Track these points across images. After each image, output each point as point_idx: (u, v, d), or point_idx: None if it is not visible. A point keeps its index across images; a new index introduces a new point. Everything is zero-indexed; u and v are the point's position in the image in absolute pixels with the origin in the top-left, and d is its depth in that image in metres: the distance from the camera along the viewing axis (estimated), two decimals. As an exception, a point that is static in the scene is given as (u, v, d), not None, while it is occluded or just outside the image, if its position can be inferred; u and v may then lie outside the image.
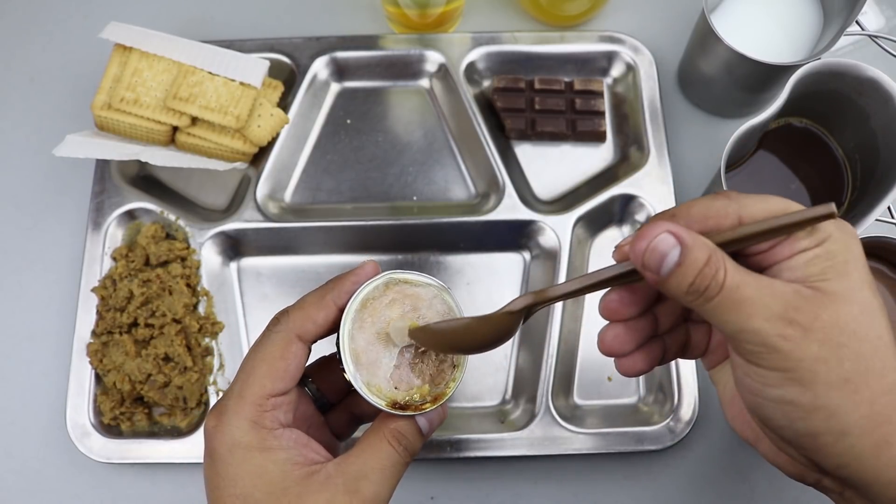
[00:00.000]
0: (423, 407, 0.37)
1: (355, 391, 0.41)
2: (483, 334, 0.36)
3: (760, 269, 0.30)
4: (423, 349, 0.38)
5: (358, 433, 0.44)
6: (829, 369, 0.28)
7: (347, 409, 0.42)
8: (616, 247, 0.32)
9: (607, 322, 0.34)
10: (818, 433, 0.29)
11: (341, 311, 0.37)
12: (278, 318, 0.38)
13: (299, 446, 0.36)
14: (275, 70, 0.61)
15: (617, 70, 0.63)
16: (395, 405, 0.36)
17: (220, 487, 0.35)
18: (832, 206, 0.29)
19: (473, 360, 0.57)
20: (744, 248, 0.30)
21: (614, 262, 0.32)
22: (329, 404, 0.41)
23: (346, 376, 0.37)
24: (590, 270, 0.58)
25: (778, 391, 0.30)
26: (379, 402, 0.36)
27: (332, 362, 0.41)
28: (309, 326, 0.37)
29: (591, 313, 0.57)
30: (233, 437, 0.35)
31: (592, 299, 0.58)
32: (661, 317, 0.35)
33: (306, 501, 0.34)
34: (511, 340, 0.56)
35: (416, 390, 0.37)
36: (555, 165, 0.61)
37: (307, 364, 0.40)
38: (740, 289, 0.29)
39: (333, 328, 0.38)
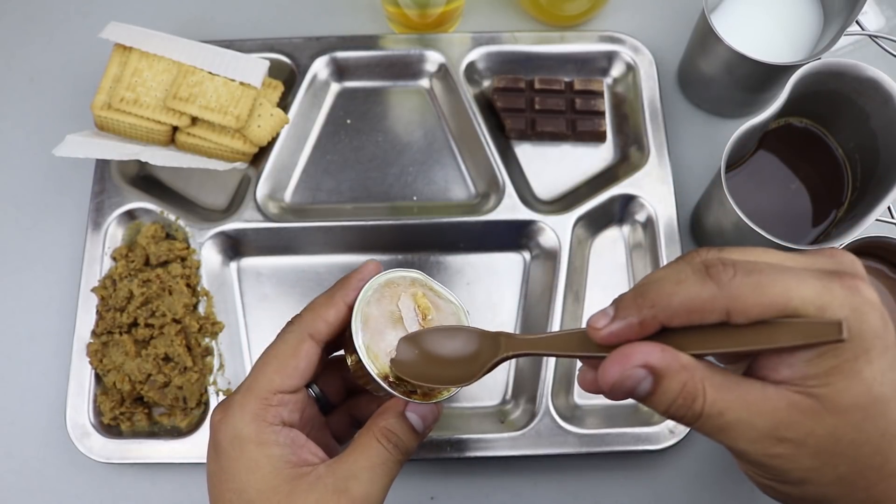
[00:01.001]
0: (412, 396, 0.37)
1: (355, 394, 0.42)
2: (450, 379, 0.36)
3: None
4: None
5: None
6: (821, 475, 0.27)
7: (347, 412, 0.42)
8: (588, 325, 0.30)
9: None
10: None
11: (350, 308, 0.38)
12: (291, 321, 0.38)
13: (295, 446, 0.36)
14: (275, 70, 0.61)
15: (617, 70, 0.63)
16: (385, 378, 0.36)
17: (221, 481, 0.35)
18: (842, 329, 0.25)
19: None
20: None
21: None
22: (330, 406, 0.42)
23: (352, 344, 0.37)
24: (589, 273, 0.58)
25: (768, 482, 0.29)
26: (372, 369, 0.36)
27: (335, 365, 0.42)
28: (320, 325, 0.37)
29: (591, 312, 0.57)
30: (235, 428, 0.35)
31: (593, 298, 0.58)
32: None
33: (295, 501, 0.34)
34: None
35: None
36: (555, 165, 0.61)
37: None
38: (723, 414, 0.27)
39: (344, 327, 0.38)
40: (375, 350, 0.37)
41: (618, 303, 0.29)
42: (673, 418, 0.28)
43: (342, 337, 0.39)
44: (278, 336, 0.38)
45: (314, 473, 0.35)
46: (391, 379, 0.37)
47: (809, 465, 0.27)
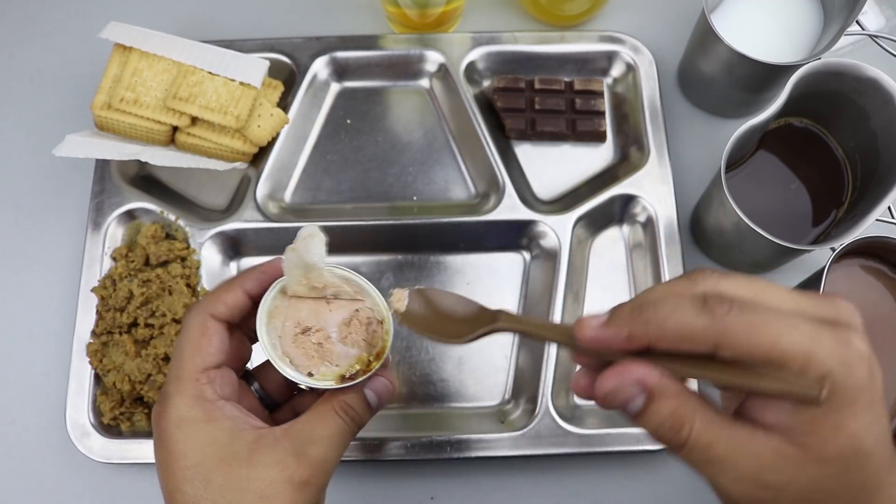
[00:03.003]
0: (371, 367, 0.38)
1: (300, 391, 0.43)
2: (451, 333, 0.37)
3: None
4: (345, 322, 0.39)
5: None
6: None
7: (292, 409, 0.43)
8: (578, 322, 0.30)
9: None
10: None
11: (248, 296, 0.39)
12: (190, 307, 0.40)
13: (243, 414, 0.37)
14: (275, 70, 0.61)
15: (617, 70, 0.63)
16: (343, 379, 0.38)
17: (170, 464, 0.36)
18: (820, 392, 0.26)
19: (473, 360, 0.57)
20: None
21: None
22: (275, 404, 0.42)
23: (289, 380, 0.38)
24: (589, 273, 0.58)
25: None
26: (329, 385, 0.38)
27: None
28: (220, 307, 0.38)
29: (591, 313, 0.57)
30: (178, 414, 0.36)
31: (593, 298, 0.58)
32: None
33: (256, 462, 0.35)
34: (511, 341, 0.56)
35: (355, 360, 0.39)
36: (555, 165, 0.61)
37: (252, 367, 0.42)
38: (710, 448, 0.28)
39: (241, 313, 0.39)
40: (319, 370, 0.38)
41: (614, 311, 0.30)
42: (660, 440, 0.29)
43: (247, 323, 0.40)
44: (182, 324, 0.39)
45: (271, 436, 0.36)
46: (346, 376, 0.38)
47: None
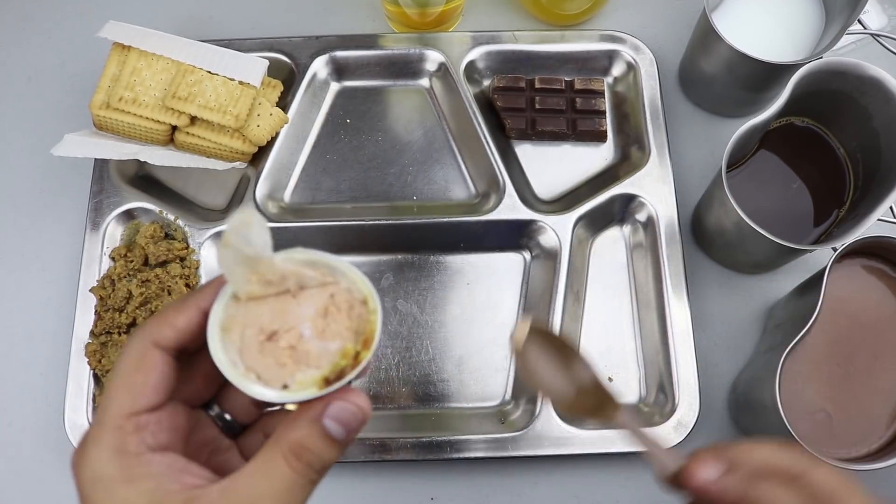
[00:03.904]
0: (361, 358, 0.31)
1: (270, 410, 0.36)
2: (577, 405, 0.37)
3: None
4: (320, 313, 0.32)
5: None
6: None
7: (262, 432, 0.35)
8: (691, 465, 0.32)
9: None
10: None
11: (204, 313, 0.32)
12: (135, 330, 0.34)
13: (173, 472, 0.30)
14: (274, 69, 0.61)
15: (618, 69, 0.63)
16: (327, 382, 0.30)
17: None
18: None
19: (473, 360, 0.57)
20: None
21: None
22: (240, 427, 0.35)
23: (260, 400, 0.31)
24: (589, 273, 0.58)
25: None
26: (312, 393, 0.30)
27: None
28: (167, 332, 0.31)
29: (592, 313, 0.57)
30: (94, 470, 0.29)
31: (594, 298, 0.58)
32: None
33: None
34: (510, 341, 0.56)
35: (338, 355, 0.31)
36: (555, 165, 0.61)
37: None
38: None
39: (198, 335, 0.32)
40: (297, 379, 0.31)
41: (729, 468, 0.31)
42: None
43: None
44: (122, 350, 0.32)
45: (205, 499, 0.29)
46: (330, 378, 0.31)
47: None
